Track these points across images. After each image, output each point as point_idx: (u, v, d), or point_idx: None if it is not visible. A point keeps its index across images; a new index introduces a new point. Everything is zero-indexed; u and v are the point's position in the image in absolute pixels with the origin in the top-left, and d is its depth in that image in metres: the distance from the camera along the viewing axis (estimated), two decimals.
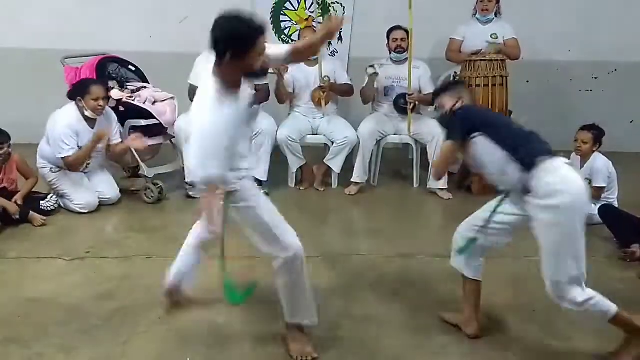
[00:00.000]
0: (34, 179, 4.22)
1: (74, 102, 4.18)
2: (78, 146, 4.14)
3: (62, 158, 4.12)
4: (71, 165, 4.18)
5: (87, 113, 4.15)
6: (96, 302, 2.95)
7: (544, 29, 5.96)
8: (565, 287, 2.34)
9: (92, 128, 4.21)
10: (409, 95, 4.78)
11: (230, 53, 2.13)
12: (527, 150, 2.40)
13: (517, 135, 2.51)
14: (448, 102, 2.73)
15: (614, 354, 2.51)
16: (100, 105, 4.13)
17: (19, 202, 3.99)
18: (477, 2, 5.02)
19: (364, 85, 4.99)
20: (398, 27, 4.92)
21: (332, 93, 4.97)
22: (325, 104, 4.94)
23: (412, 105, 4.80)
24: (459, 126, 2.56)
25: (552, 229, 2.33)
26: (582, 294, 2.35)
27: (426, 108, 5.17)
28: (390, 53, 4.98)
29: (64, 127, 4.11)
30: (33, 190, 4.21)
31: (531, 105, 6.04)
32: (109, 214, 4.26)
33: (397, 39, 4.91)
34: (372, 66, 4.88)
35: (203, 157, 2.16)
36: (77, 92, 4.18)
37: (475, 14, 5.05)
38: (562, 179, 2.33)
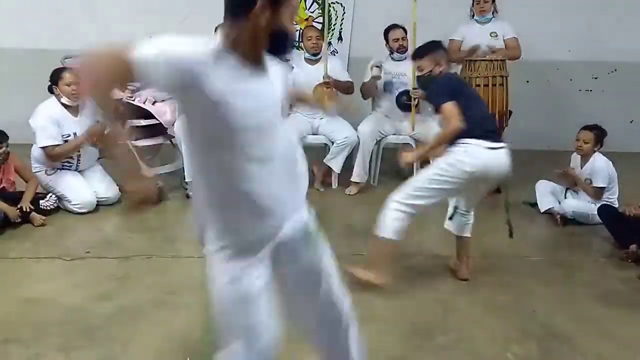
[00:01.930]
0: (33, 182, 4.20)
1: (54, 96, 4.21)
2: (61, 135, 4.14)
3: (44, 148, 4.10)
4: (54, 158, 4.17)
5: (64, 100, 4.16)
6: (96, 302, 2.95)
7: (544, 29, 5.96)
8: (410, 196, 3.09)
9: (75, 117, 4.21)
10: (413, 89, 4.71)
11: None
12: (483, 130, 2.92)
13: (483, 114, 3.07)
14: (428, 65, 3.12)
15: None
16: (75, 90, 4.14)
17: (27, 209, 3.97)
18: (473, 4, 5.02)
19: (366, 80, 4.93)
20: (396, 26, 4.88)
21: (335, 91, 4.90)
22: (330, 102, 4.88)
23: (416, 101, 4.75)
24: (442, 91, 2.95)
25: None
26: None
27: (427, 107, 5.16)
28: (392, 53, 4.93)
29: (44, 116, 4.14)
30: None
31: (531, 105, 6.05)
32: (109, 214, 4.26)
33: (398, 39, 4.86)
34: (378, 67, 4.83)
35: None
36: (52, 81, 4.20)
37: (473, 16, 5.05)
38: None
